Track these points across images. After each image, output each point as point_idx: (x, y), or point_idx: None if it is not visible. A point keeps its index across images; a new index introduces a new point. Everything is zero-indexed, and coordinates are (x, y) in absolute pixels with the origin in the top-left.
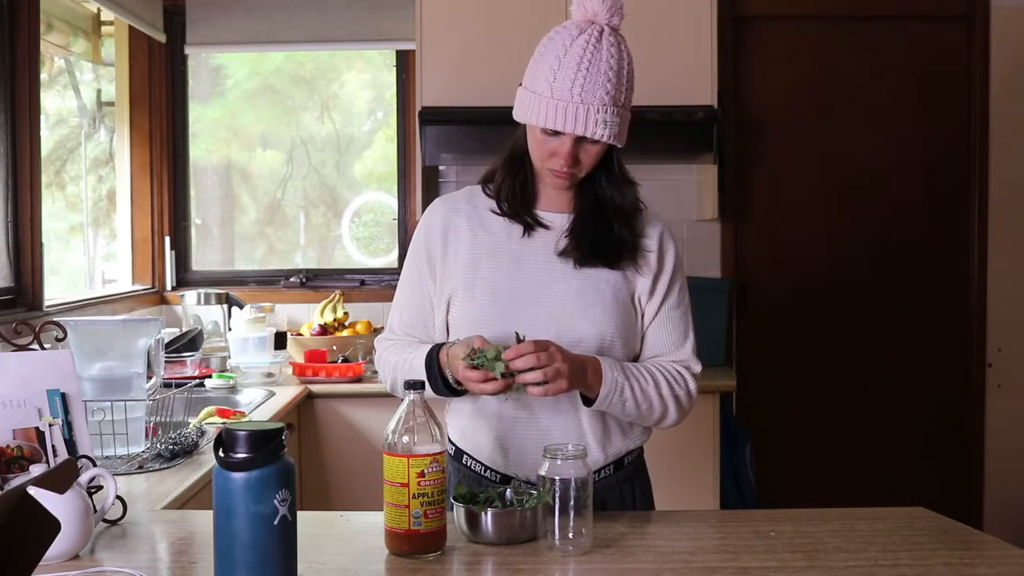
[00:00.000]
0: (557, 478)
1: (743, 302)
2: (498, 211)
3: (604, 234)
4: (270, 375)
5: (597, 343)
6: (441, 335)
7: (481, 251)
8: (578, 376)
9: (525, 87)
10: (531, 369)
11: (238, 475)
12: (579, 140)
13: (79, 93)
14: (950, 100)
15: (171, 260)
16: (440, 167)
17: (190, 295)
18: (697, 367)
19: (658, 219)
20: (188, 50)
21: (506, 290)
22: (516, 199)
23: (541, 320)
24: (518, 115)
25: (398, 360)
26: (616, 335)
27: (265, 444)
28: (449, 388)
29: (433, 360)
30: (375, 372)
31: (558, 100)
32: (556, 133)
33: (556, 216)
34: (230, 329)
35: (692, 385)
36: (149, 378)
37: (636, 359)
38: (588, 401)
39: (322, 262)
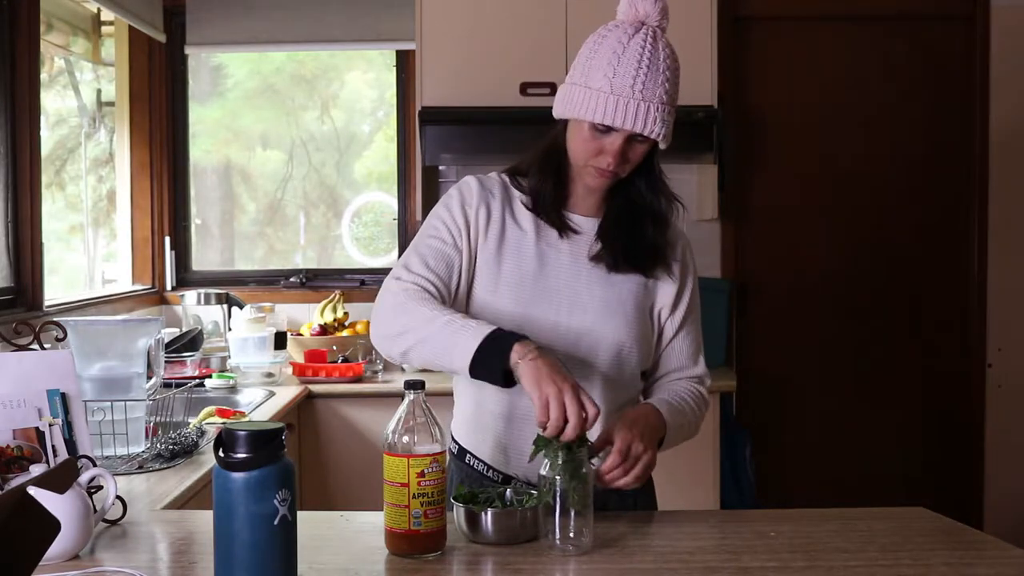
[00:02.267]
0: (558, 478)
1: (743, 302)
2: (529, 206)
3: (638, 238)
4: (270, 375)
5: (615, 351)
6: (461, 301)
7: (508, 244)
8: (656, 440)
9: (576, 83)
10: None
11: (238, 475)
12: (629, 139)
13: (79, 93)
14: (950, 100)
15: (171, 260)
16: (440, 167)
17: (190, 295)
18: (709, 380)
19: (679, 231)
20: (188, 50)
21: (529, 290)
22: (548, 199)
23: (561, 325)
24: (566, 111)
25: (434, 314)
26: (634, 345)
27: (265, 444)
28: (506, 378)
29: (506, 341)
30: (375, 372)
31: (618, 96)
32: (608, 130)
33: (585, 220)
34: (230, 329)
35: (707, 398)
36: (149, 378)
37: (648, 370)
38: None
39: (322, 262)
